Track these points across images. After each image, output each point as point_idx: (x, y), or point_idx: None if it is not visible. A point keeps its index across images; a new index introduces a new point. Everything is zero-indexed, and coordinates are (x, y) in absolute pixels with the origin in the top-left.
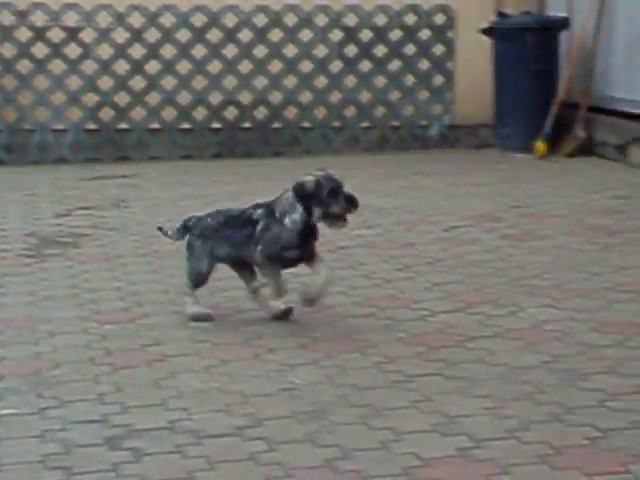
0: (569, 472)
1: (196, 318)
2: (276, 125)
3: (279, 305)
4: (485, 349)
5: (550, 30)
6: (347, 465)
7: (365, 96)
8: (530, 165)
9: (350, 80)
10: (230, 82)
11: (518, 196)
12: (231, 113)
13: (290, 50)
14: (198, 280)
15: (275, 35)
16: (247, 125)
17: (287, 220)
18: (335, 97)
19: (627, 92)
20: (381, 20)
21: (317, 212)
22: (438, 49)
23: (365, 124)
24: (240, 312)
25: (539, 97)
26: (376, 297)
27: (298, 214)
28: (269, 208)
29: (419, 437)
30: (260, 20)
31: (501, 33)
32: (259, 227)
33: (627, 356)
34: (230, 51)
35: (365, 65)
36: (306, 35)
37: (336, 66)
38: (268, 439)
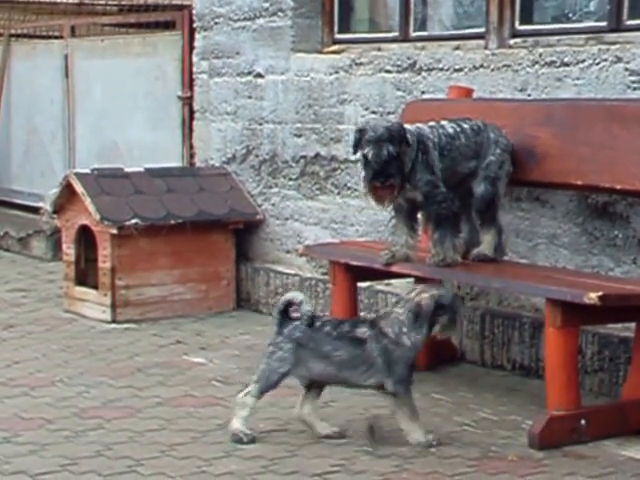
0: None
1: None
2: None
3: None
4: None
5: None
6: None
7: None
8: None
9: None
10: None
11: None
12: None
13: None
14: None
15: None
16: None
17: (407, 340)
18: None
19: (27, 185)
20: None
21: (436, 328)
22: None
23: None
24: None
25: None
26: None
27: (421, 335)
28: (375, 325)
29: None
30: None
31: None
32: (372, 349)
33: (15, 452)
34: None
35: None
36: None
37: None
38: None
